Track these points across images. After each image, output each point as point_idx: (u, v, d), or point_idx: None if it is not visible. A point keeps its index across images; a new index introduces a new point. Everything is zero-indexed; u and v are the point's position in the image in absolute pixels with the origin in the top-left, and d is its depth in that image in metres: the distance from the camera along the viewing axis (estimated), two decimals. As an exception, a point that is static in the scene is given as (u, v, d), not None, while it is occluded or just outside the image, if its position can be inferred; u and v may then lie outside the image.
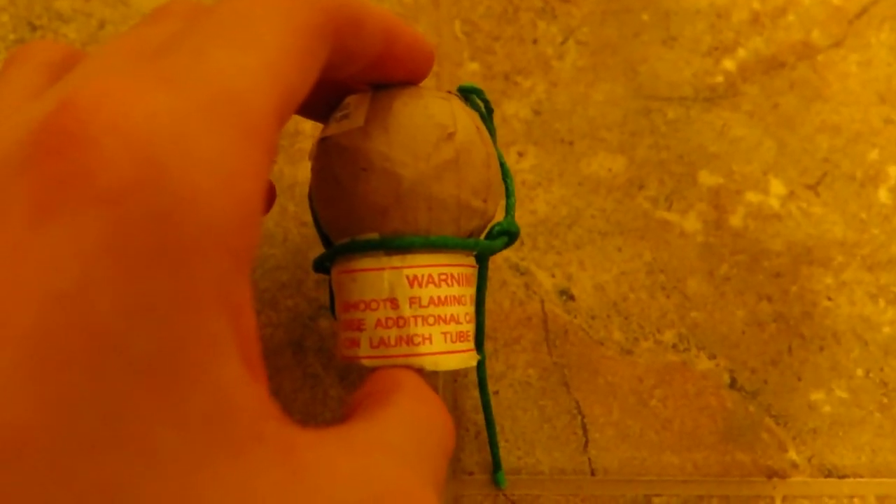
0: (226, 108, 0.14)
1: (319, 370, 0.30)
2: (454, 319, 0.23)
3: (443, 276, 0.23)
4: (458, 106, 0.24)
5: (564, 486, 0.29)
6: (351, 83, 0.24)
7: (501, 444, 0.29)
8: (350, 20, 0.18)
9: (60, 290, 0.12)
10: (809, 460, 0.30)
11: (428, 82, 0.33)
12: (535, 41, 0.34)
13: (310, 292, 0.30)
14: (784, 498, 0.29)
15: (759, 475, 0.29)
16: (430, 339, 0.22)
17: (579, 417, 0.30)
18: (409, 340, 0.22)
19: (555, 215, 0.32)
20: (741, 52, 0.34)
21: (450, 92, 0.25)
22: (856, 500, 0.29)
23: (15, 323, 0.12)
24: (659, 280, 0.31)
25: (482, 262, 0.25)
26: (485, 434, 0.29)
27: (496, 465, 0.28)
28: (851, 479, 0.29)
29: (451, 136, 0.23)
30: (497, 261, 0.31)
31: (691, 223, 0.32)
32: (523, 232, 0.31)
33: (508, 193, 0.26)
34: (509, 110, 0.33)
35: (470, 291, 0.24)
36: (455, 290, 0.23)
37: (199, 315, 0.13)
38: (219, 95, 0.14)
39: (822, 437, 0.30)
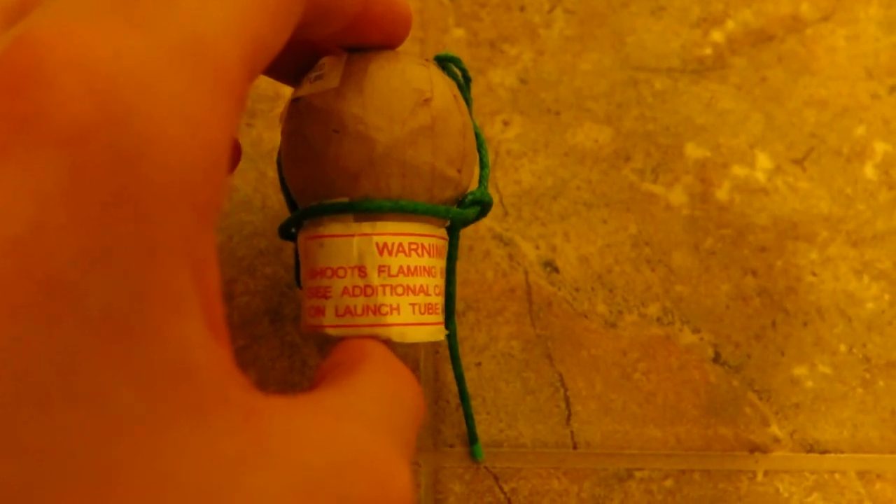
0: (195, 54, 0.13)
1: (297, 339, 0.29)
2: (423, 290, 0.22)
3: (413, 246, 0.22)
4: (436, 73, 0.23)
5: (546, 460, 0.29)
6: (325, 45, 0.23)
7: (483, 415, 0.29)
8: None
9: (12, 235, 0.11)
10: (791, 435, 0.29)
11: (412, 48, 0.32)
12: (522, 8, 0.33)
13: (288, 260, 0.30)
14: (766, 472, 0.29)
15: (741, 449, 0.29)
16: (397, 309, 0.22)
17: (562, 390, 0.29)
18: (377, 310, 0.22)
19: (540, 186, 0.31)
20: (730, 24, 0.33)
21: (427, 60, 0.24)
22: (837, 475, 0.29)
23: None
24: (644, 253, 0.31)
25: (453, 233, 0.24)
26: (466, 406, 0.29)
27: (472, 438, 0.28)
28: (833, 455, 0.29)
29: (427, 101, 0.22)
30: (480, 230, 0.30)
31: (677, 196, 0.31)
32: (507, 202, 0.31)
33: (483, 164, 0.25)
34: (495, 78, 0.32)
35: (440, 264, 0.23)
36: (425, 261, 0.22)
37: (161, 268, 0.12)
38: (188, 41, 0.13)
39: (804, 412, 0.30)
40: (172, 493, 0.12)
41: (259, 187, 0.30)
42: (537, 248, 0.30)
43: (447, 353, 0.29)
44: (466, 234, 0.30)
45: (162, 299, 0.12)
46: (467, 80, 0.26)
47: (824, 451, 0.29)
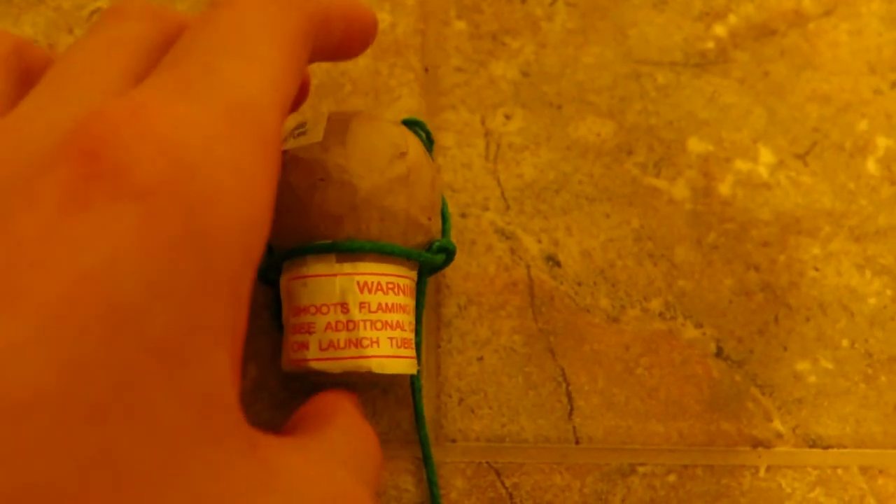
0: (242, 118, 0.15)
1: (298, 334, 0.29)
2: (399, 326, 0.24)
3: (390, 285, 0.24)
4: (408, 132, 0.26)
5: (548, 454, 0.28)
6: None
7: (485, 410, 0.29)
8: (323, 19, 0.20)
9: (88, 267, 0.13)
10: (794, 430, 0.29)
11: (413, 41, 0.32)
12: (523, 1, 0.33)
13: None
14: (768, 468, 0.29)
15: (744, 445, 0.29)
16: (377, 342, 0.24)
17: (564, 385, 0.29)
18: (358, 343, 0.23)
19: (542, 179, 0.31)
20: (732, 18, 0.33)
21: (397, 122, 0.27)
22: (839, 470, 0.29)
23: (41, 292, 0.12)
24: (646, 247, 0.31)
25: (421, 278, 0.26)
26: (468, 400, 0.29)
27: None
28: (836, 450, 0.29)
29: (403, 154, 0.25)
30: (482, 224, 0.30)
31: (680, 190, 0.31)
32: (509, 196, 0.31)
33: (445, 218, 0.28)
34: (497, 71, 0.32)
35: (412, 303, 0.26)
36: (401, 299, 0.25)
37: (214, 303, 0.14)
38: (234, 106, 0.15)
39: (807, 408, 0.30)
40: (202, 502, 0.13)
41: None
42: (539, 241, 0.30)
43: (449, 346, 0.29)
44: (469, 227, 0.30)
45: (210, 331, 0.14)
46: (431, 141, 0.29)
47: (827, 447, 0.29)
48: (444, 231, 0.28)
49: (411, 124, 0.28)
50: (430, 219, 0.26)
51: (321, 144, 0.24)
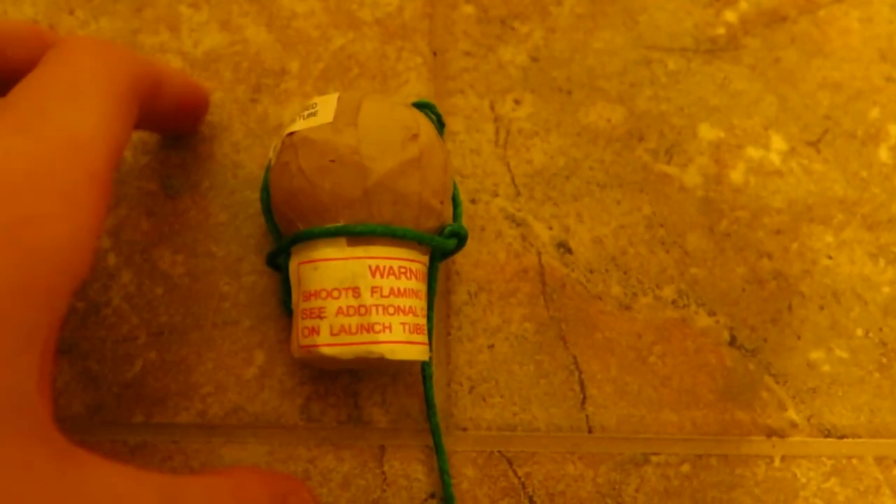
0: (71, 152, 0.17)
1: (305, 321, 0.28)
2: (412, 311, 0.24)
3: (402, 269, 0.24)
4: (420, 114, 0.25)
5: (561, 444, 0.28)
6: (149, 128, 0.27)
7: (497, 399, 0.28)
8: (152, 84, 0.22)
9: None
10: (808, 420, 0.29)
11: (420, 25, 0.31)
12: (533, -15, 0.32)
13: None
14: (783, 458, 0.29)
15: (758, 434, 0.29)
16: (389, 328, 0.23)
17: (577, 373, 0.29)
18: (370, 328, 0.23)
19: (552, 166, 0.30)
20: (743, 4, 0.33)
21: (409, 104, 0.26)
22: (854, 460, 0.29)
23: None
24: (658, 234, 0.30)
25: (433, 264, 0.26)
26: (479, 388, 0.28)
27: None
28: (850, 440, 0.29)
29: (415, 137, 0.24)
30: (492, 211, 0.30)
31: (691, 177, 0.31)
32: (519, 182, 0.30)
33: (456, 202, 0.27)
34: (505, 56, 0.31)
35: (424, 288, 0.25)
36: (413, 284, 0.24)
37: (26, 308, 0.15)
38: (64, 142, 0.17)
39: (821, 397, 0.29)
40: None
41: (265, 164, 0.29)
42: (550, 228, 0.30)
43: (459, 334, 0.28)
44: (479, 214, 0.30)
45: (20, 333, 0.15)
46: (441, 124, 0.28)
47: (842, 436, 0.29)
48: (456, 216, 0.27)
49: (422, 107, 0.28)
50: (442, 202, 0.25)
51: (332, 125, 0.24)
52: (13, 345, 0.15)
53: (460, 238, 0.26)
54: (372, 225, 0.23)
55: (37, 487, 0.14)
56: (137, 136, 0.29)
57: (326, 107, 0.24)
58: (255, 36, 0.31)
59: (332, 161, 0.23)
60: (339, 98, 0.24)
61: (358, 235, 0.23)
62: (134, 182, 0.29)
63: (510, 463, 0.28)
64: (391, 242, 0.24)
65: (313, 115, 0.24)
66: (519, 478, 0.27)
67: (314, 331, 0.23)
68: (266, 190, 0.26)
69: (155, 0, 0.31)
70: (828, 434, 0.29)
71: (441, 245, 0.25)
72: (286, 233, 0.25)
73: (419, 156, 0.24)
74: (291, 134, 0.24)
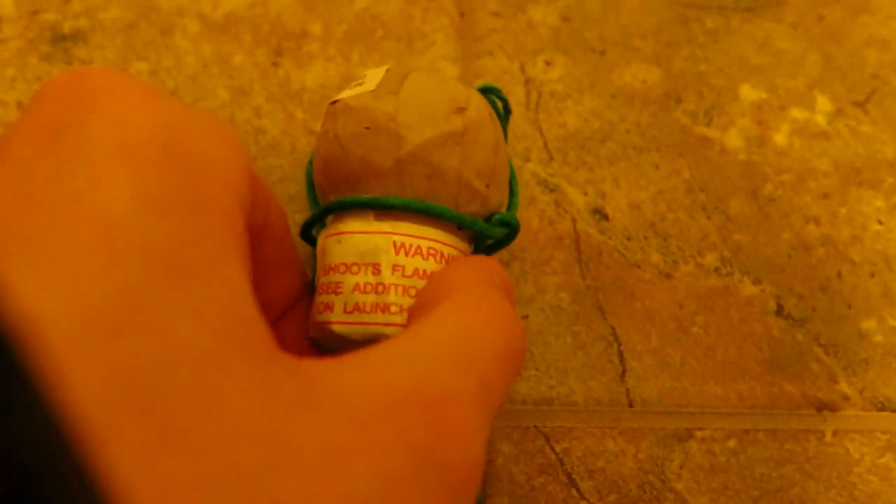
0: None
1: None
2: None
3: (431, 251, 0.22)
4: (476, 93, 0.23)
5: (600, 418, 0.27)
6: None
7: (532, 371, 0.27)
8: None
9: (74, 190, 0.13)
10: (861, 392, 0.27)
11: (446, -14, 0.30)
12: (563, -58, 0.31)
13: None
14: (835, 432, 0.27)
15: (808, 407, 0.27)
16: (407, 310, 0.21)
17: (615, 345, 0.27)
18: (386, 308, 0.21)
19: (586, 129, 0.29)
20: (784, -40, 0.31)
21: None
22: (910, 434, 0.27)
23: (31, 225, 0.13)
24: (699, 199, 0.29)
25: (477, 251, 0.23)
26: (514, 361, 0.27)
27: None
28: (906, 413, 0.27)
29: (461, 110, 0.22)
30: (524, 176, 0.28)
31: (733, 140, 0.29)
32: (552, 146, 0.29)
33: (513, 192, 0.25)
34: (536, 16, 0.30)
35: None
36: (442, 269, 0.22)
37: (209, 221, 0.14)
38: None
39: (874, 368, 0.28)
40: (232, 428, 0.12)
41: (288, 129, 0.28)
42: (585, 194, 0.28)
43: (492, 304, 0.27)
44: (510, 178, 0.28)
45: (210, 243, 0.14)
46: (507, 111, 0.26)
47: (897, 410, 0.27)
48: (511, 205, 0.25)
49: (487, 91, 0.25)
50: (487, 186, 0.23)
51: (373, 93, 0.22)
52: (208, 258, 0.14)
53: (511, 229, 0.23)
54: (404, 199, 0.21)
55: (277, 403, 0.13)
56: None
57: (374, 77, 0.23)
58: (274, -2, 0.30)
59: (367, 128, 0.21)
60: (388, 70, 0.23)
61: (387, 209, 0.21)
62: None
63: (547, 439, 0.26)
64: (423, 220, 0.22)
65: (360, 84, 0.23)
66: (556, 454, 0.26)
67: (328, 307, 0.21)
68: (311, 162, 0.25)
69: (171, -38, 0.30)
70: (882, 407, 0.27)
71: (485, 231, 0.22)
72: (324, 202, 0.23)
73: (463, 130, 0.22)
74: (335, 102, 0.23)
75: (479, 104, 0.23)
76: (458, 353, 0.16)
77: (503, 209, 0.24)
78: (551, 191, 0.28)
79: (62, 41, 0.28)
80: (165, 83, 0.28)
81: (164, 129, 0.14)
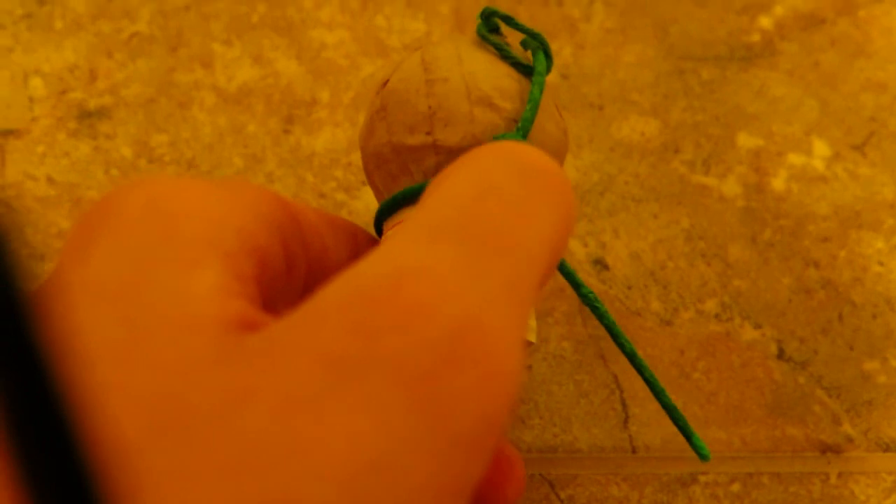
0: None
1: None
2: None
3: None
4: (445, 50, 0.22)
5: (604, 465, 0.27)
6: None
7: (536, 420, 0.28)
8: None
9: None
10: (865, 434, 0.28)
11: (443, 30, 0.31)
12: (559, 3, 0.32)
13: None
14: (840, 474, 0.27)
15: (812, 450, 0.28)
16: None
17: (618, 392, 0.28)
18: None
19: (586, 182, 0.30)
20: (778, 9, 0.32)
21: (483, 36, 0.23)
22: (917, 475, 0.27)
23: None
24: (698, 247, 0.29)
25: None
26: (519, 410, 0.28)
27: (686, 435, 0.23)
28: (912, 454, 0.28)
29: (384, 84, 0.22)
30: (526, 230, 0.29)
31: (731, 187, 0.30)
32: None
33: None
34: (535, 74, 0.31)
35: None
36: None
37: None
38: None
39: (878, 409, 0.28)
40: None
41: (299, 192, 0.30)
42: (586, 245, 0.29)
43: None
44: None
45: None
46: (549, 58, 0.24)
47: (902, 451, 0.28)
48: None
49: (532, 36, 0.24)
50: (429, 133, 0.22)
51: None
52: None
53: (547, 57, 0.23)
54: None
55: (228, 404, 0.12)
56: (173, 171, 0.30)
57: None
58: (285, 68, 0.31)
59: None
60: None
61: None
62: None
63: (552, 486, 0.27)
64: None
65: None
66: (561, 501, 0.27)
67: None
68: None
69: (189, 39, 0.32)
70: (887, 448, 0.28)
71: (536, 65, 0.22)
72: (376, 187, 0.23)
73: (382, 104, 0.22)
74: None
75: (407, 70, 0.22)
76: (463, 233, 0.14)
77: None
78: (553, 243, 0.29)
79: (88, 118, 0.30)
80: (184, 153, 0.30)
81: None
